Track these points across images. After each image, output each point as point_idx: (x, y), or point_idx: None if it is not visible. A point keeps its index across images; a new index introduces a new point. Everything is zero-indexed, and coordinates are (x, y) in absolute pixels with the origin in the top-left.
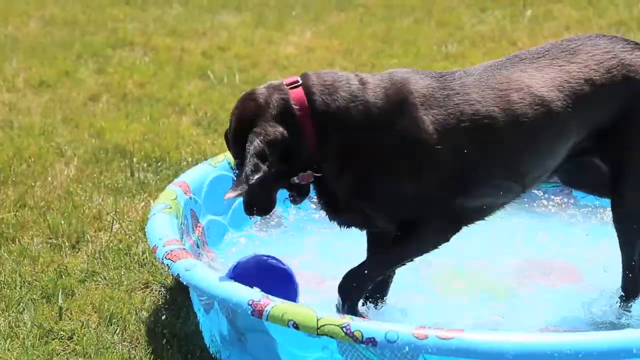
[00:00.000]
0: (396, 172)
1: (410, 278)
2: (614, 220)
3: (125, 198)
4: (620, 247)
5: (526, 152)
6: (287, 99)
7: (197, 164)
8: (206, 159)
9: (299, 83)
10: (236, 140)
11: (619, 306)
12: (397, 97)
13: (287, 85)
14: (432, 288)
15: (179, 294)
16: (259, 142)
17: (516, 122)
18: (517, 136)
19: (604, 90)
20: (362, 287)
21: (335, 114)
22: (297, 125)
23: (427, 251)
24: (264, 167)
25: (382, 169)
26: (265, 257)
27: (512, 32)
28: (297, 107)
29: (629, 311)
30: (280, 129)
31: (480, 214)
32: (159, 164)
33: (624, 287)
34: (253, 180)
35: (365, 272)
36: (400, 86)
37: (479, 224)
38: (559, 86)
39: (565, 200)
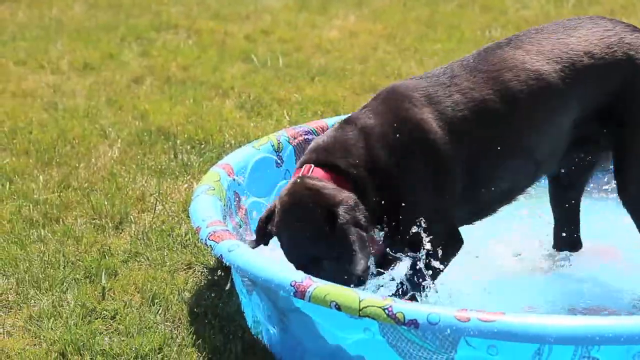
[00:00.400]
0: (419, 180)
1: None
2: (623, 205)
3: (169, 180)
4: (638, 227)
5: (528, 127)
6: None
7: (240, 146)
8: (249, 142)
9: (313, 166)
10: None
11: None
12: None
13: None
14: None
15: (221, 275)
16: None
17: (512, 100)
18: (516, 113)
19: (604, 65)
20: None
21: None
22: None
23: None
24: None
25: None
26: None
27: (556, 16)
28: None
29: None
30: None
31: (501, 199)
32: (202, 146)
33: None
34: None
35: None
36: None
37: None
38: (557, 57)
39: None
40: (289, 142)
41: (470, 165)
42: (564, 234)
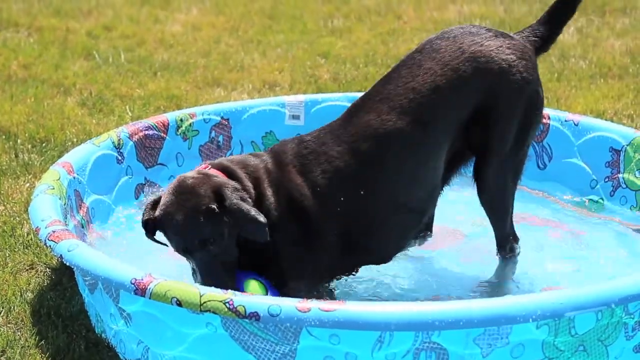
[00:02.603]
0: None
1: None
2: (482, 204)
3: (10, 180)
4: (492, 224)
5: (402, 185)
6: None
7: (82, 144)
8: (91, 139)
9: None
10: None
11: (499, 267)
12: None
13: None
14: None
15: (64, 274)
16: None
17: (377, 167)
18: (384, 177)
19: (456, 89)
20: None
21: None
22: None
23: None
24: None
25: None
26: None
27: (397, 5)
28: None
29: (508, 271)
30: None
31: (397, 248)
32: (44, 145)
33: (501, 254)
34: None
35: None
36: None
37: None
38: (407, 108)
39: None
40: (129, 138)
41: (352, 229)
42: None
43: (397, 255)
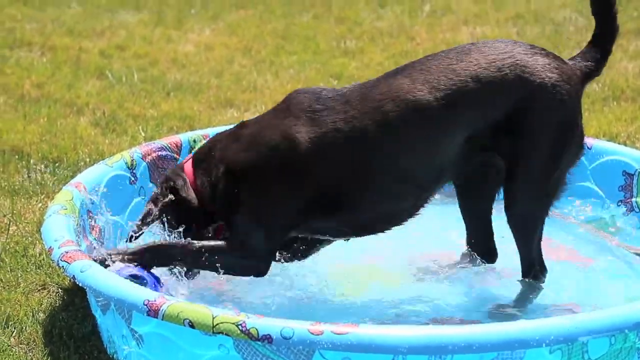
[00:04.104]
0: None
1: None
2: (508, 221)
3: (22, 199)
4: (517, 245)
5: (406, 155)
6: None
7: (95, 164)
8: (104, 159)
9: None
10: None
11: (519, 293)
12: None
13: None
14: None
15: (76, 295)
16: None
17: (390, 129)
18: (393, 142)
19: (492, 87)
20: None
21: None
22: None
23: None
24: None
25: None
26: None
27: (410, 27)
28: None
29: (531, 296)
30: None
31: (384, 220)
32: (57, 164)
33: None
34: None
35: (170, 253)
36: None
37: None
38: (441, 85)
39: None
40: (142, 158)
41: (341, 187)
42: (476, 245)
43: (382, 230)
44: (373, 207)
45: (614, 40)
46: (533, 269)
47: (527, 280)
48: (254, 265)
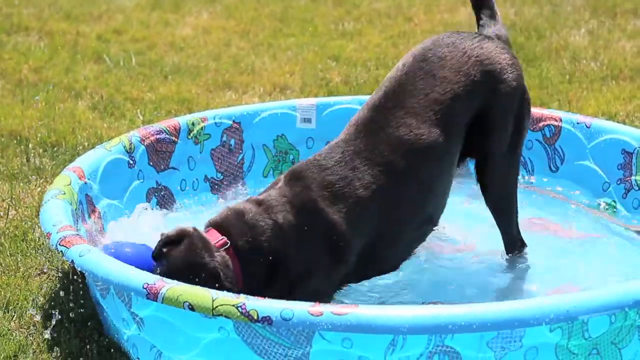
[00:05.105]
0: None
1: None
2: (487, 202)
3: (21, 184)
4: (499, 226)
5: (429, 198)
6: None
7: (93, 148)
8: (102, 143)
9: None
10: None
11: (509, 269)
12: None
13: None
14: None
15: (76, 279)
16: None
17: (412, 182)
18: (418, 191)
19: (469, 95)
20: None
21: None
22: None
23: None
24: None
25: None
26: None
27: (408, 8)
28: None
29: (516, 272)
30: None
31: (403, 257)
32: (55, 149)
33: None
34: None
35: None
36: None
37: None
38: (434, 122)
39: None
40: (140, 142)
41: (376, 243)
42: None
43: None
44: (397, 248)
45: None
46: (516, 243)
47: (511, 256)
48: None
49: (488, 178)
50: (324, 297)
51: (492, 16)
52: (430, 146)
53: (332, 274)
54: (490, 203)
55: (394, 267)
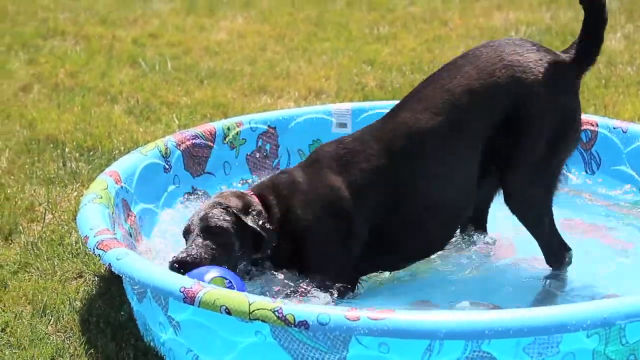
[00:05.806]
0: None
1: None
2: (510, 208)
3: (58, 188)
4: (530, 232)
5: (436, 183)
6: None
7: (129, 152)
8: (138, 147)
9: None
10: None
11: (548, 276)
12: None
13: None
14: None
15: (112, 283)
16: None
17: (409, 164)
18: (417, 174)
19: (488, 94)
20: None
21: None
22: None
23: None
24: None
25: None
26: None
27: (443, 12)
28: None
29: (559, 281)
30: None
31: (432, 248)
32: (91, 153)
33: (547, 260)
34: None
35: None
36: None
37: None
38: (439, 109)
39: None
40: (176, 147)
41: (384, 226)
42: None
43: (431, 256)
44: (418, 236)
45: (605, 27)
46: (553, 250)
47: (552, 264)
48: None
49: (508, 185)
50: (340, 272)
51: (588, 44)
52: (427, 131)
53: (339, 242)
54: (512, 210)
55: (413, 257)
